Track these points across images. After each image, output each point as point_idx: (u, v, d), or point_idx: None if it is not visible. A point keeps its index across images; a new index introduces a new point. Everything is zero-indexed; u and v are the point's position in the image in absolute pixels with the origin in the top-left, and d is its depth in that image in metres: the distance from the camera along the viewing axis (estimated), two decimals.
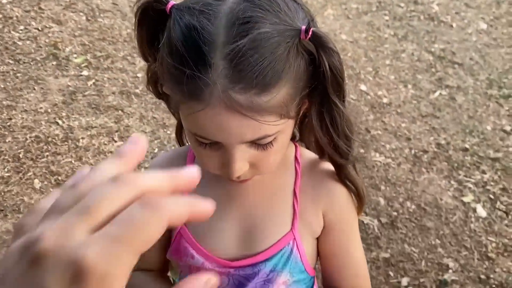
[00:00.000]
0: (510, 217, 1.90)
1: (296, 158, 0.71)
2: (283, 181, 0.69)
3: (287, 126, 0.57)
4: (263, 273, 0.67)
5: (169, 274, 0.81)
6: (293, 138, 0.72)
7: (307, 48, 0.53)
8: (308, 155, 0.73)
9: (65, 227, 0.25)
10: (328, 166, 0.71)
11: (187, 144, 0.75)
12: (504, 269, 1.69)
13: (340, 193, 0.69)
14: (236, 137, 0.54)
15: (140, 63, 2.64)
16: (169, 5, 0.55)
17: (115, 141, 2.13)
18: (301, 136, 0.73)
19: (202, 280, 0.27)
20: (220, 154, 0.57)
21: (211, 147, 0.57)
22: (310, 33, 0.51)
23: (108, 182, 0.27)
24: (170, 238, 0.73)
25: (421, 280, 1.63)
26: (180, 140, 0.76)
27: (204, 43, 0.49)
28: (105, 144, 2.11)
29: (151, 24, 0.58)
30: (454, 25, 3.32)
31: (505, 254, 1.75)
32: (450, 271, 1.67)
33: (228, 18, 0.50)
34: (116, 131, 2.18)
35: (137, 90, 2.44)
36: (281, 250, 0.67)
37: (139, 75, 2.56)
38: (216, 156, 0.58)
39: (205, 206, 0.30)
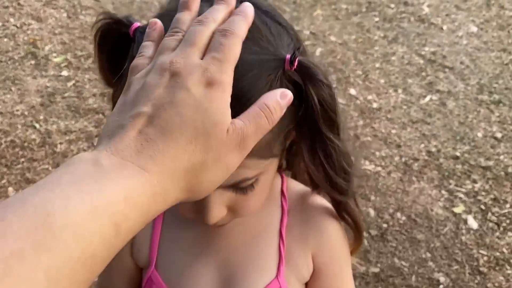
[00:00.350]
0: (501, 229, 1.86)
1: (282, 192, 0.64)
2: (267, 220, 0.62)
3: (270, 165, 0.50)
4: None
5: None
6: (279, 167, 0.65)
7: (292, 78, 0.46)
8: (297, 187, 0.66)
9: (184, 55, 0.39)
10: (319, 199, 0.64)
11: None
12: (496, 284, 1.65)
13: (332, 231, 0.62)
14: None
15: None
16: (133, 28, 0.48)
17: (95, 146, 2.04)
18: (288, 165, 0.66)
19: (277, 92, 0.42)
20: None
21: None
22: (296, 63, 0.44)
23: (195, 23, 0.42)
24: (139, 280, 0.66)
25: None
26: None
27: None
28: (84, 149, 2.02)
29: (113, 48, 0.52)
30: (444, 27, 3.28)
31: (497, 268, 1.71)
32: (441, 286, 1.62)
33: None
34: (96, 136, 2.09)
35: None
36: None
37: None
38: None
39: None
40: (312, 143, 0.50)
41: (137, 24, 0.48)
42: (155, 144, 0.35)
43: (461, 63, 2.93)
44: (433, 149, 2.22)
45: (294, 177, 0.68)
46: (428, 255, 1.72)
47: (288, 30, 0.50)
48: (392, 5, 3.44)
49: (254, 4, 0.46)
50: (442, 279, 1.64)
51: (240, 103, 0.41)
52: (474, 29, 3.32)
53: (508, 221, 1.89)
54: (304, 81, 0.45)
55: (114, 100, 0.58)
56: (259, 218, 0.61)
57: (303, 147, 0.51)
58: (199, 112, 0.36)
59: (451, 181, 2.06)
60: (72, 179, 0.31)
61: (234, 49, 0.40)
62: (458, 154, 2.21)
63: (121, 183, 0.32)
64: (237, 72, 0.41)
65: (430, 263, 1.69)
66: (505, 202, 1.98)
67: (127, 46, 0.49)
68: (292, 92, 0.44)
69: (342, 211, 0.60)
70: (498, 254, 1.75)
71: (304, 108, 0.47)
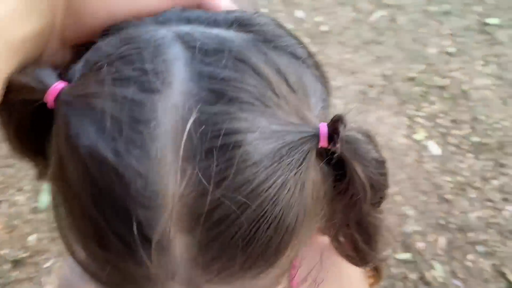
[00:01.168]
0: (462, 151, 1.84)
1: None
2: None
3: None
4: None
5: None
6: None
7: (324, 151, 0.29)
8: None
9: None
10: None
11: None
12: (461, 211, 1.65)
13: (351, 273, 0.49)
14: None
15: None
16: (50, 96, 0.28)
17: None
18: None
19: None
20: None
21: None
22: (338, 139, 0.28)
23: None
24: None
25: None
26: None
27: (146, 204, 0.25)
28: None
29: (24, 122, 0.31)
30: None
31: (460, 193, 1.70)
32: (411, 220, 1.60)
33: (177, 138, 0.25)
34: None
35: None
36: None
37: None
38: None
39: None
40: (345, 216, 0.35)
41: (57, 90, 0.28)
42: None
43: None
44: (389, 72, 2.12)
45: None
46: (395, 189, 1.68)
47: (323, 74, 0.33)
48: None
49: (251, 28, 0.29)
50: (411, 212, 1.62)
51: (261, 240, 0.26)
52: None
53: (467, 143, 1.87)
54: (347, 159, 0.29)
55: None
56: None
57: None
58: None
59: (409, 105, 1.99)
60: None
61: None
62: (413, 75, 2.13)
63: None
64: (251, 182, 0.25)
65: (398, 197, 1.66)
66: (463, 122, 1.95)
67: (42, 120, 0.29)
68: (324, 174, 0.29)
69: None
70: (460, 178, 1.74)
71: (344, 185, 0.30)
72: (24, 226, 1.47)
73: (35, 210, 1.51)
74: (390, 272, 1.46)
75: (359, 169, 0.29)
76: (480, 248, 1.55)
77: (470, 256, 1.53)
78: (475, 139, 1.89)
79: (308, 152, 0.27)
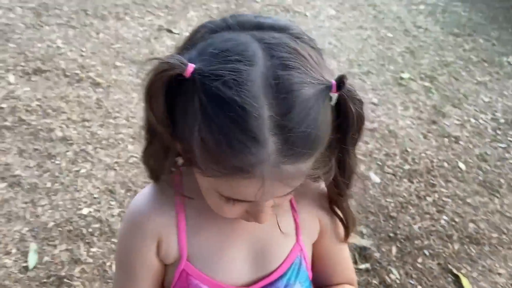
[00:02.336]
0: (398, 177, 2.14)
1: None
2: None
3: None
4: None
5: None
6: None
7: (331, 98, 0.52)
8: None
9: None
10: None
11: (162, 179, 0.67)
12: (406, 224, 1.91)
13: (340, 200, 0.71)
14: (274, 196, 0.54)
15: (2, 91, 2.35)
16: (190, 69, 0.48)
17: None
18: None
19: None
20: (247, 205, 0.57)
21: (239, 202, 0.55)
22: (343, 88, 0.51)
23: None
24: (162, 278, 0.69)
25: None
26: (156, 179, 0.68)
27: (250, 119, 0.46)
28: None
29: (166, 95, 0.51)
30: (308, 13, 3.58)
31: (403, 210, 1.98)
32: (365, 236, 1.83)
33: (265, 87, 0.47)
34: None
35: (6, 123, 2.17)
36: (292, 263, 0.68)
37: (3, 105, 2.27)
38: (242, 207, 0.57)
39: None
40: (333, 150, 0.57)
41: (193, 66, 0.49)
42: None
43: (329, 43, 3.24)
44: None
45: None
46: None
47: (318, 50, 0.56)
48: (258, 0, 3.66)
49: (289, 31, 0.52)
50: (364, 230, 1.86)
51: (309, 138, 0.48)
52: (332, 12, 3.68)
53: (400, 170, 2.19)
54: (346, 101, 0.52)
55: (148, 153, 0.61)
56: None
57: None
58: None
59: None
60: None
61: None
62: None
63: None
64: (303, 109, 0.47)
65: None
66: (394, 154, 2.28)
67: (176, 89, 0.50)
68: (333, 112, 0.52)
69: (334, 206, 0.70)
70: (400, 199, 2.03)
71: (341, 120, 0.53)
72: (14, 286, 1.54)
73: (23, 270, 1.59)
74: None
75: (352, 106, 0.52)
76: (426, 252, 1.80)
77: (419, 259, 1.77)
78: (407, 166, 2.21)
79: (327, 95, 0.50)
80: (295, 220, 0.69)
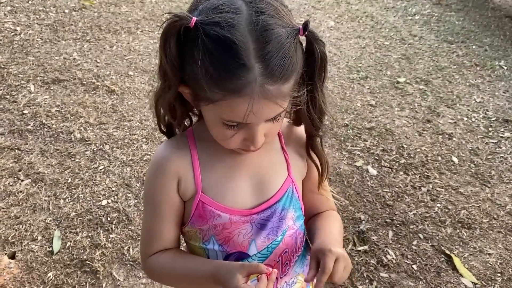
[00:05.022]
0: (394, 170, 2.28)
1: None
2: (273, 142, 0.85)
3: (288, 106, 0.73)
4: (278, 212, 0.82)
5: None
6: None
7: (300, 41, 0.69)
8: (283, 122, 0.89)
9: None
10: (301, 127, 0.87)
11: (177, 133, 0.85)
12: (401, 211, 2.04)
13: (315, 141, 0.86)
14: (264, 117, 0.69)
15: (24, 99, 2.54)
16: (193, 20, 0.65)
17: (22, 180, 2.04)
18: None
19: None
20: (244, 132, 0.71)
21: (238, 128, 0.70)
22: (308, 30, 0.67)
23: None
24: (182, 215, 0.84)
25: (344, 234, 1.89)
26: (170, 134, 0.85)
27: (239, 50, 0.62)
28: (11, 185, 2.01)
29: (177, 42, 0.67)
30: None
31: (399, 199, 2.11)
32: (363, 222, 1.97)
33: (250, 28, 0.64)
34: (19, 170, 2.08)
35: (28, 127, 2.35)
36: (286, 191, 0.83)
37: (25, 111, 2.46)
38: (241, 134, 0.72)
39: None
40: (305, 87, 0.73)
41: (195, 18, 0.65)
42: None
43: (329, 52, 3.42)
44: (326, 122, 2.60)
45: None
46: (347, 202, 2.07)
47: (288, 8, 0.71)
48: None
49: None
50: (362, 216, 1.99)
51: (284, 63, 0.64)
52: (332, 23, 3.87)
53: (396, 164, 2.33)
54: (312, 41, 0.69)
55: (156, 100, 0.77)
56: (269, 143, 0.82)
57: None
58: None
59: (347, 143, 2.46)
60: None
61: None
62: (346, 122, 2.63)
63: None
64: (278, 42, 0.63)
65: (350, 207, 2.04)
66: (391, 150, 2.42)
67: (184, 38, 0.66)
68: (302, 51, 0.68)
69: (311, 149, 0.85)
70: (396, 189, 2.17)
71: (309, 57, 0.70)
72: (41, 267, 1.69)
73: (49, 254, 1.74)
74: (354, 261, 1.79)
75: (316, 46, 0.69)
76: (421, 235, 1.93)
77: (414, 242, 1.90)
78: (403, 161, 2.35)
79: (296, 36, 0.67)
80: (285, 158, 0.85)
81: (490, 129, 2.68)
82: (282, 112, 0.71)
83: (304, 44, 0.70)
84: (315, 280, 0.72)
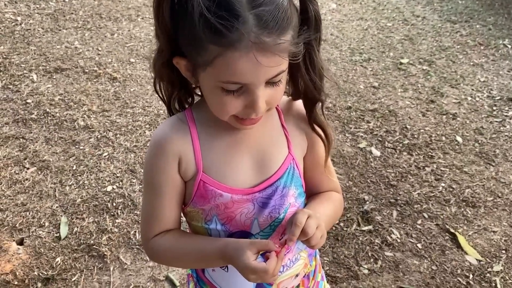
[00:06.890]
0: (397, 151, 2.28)
1: None
2: (272, 119, 0.85)
3: (287, 66, 0.72)
4: (279, 190, 0.82)
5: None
6: None
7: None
8: (282, 99, 0.89)
9: None
10: (298, 102, 0.87)
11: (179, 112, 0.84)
12: (405, 191, 2.05)
13: (316, 112, 0.86)
14: (264, 74, 0.68)
15: (27, 88, 2.55)
16: None
17: (27, 168, 2.06)
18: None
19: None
20: (244, 98, 0.70)
21: (237, 93, 0.69)
22: None
23: None
24: (183, 195, 0.84)
25: (348, 215, 1.90)
26: (172, 111, 0.85)
27: (233, 3, 0.63)
28: (17, 173, 2.03)
29: (170, 7, 0.68)
30: None
31: (403, 179, 2.11)
32: (367, 202, 1.97)
33: None
34: (25, 159, 2.10)
35: (32, 116, 2.36)
36: (287, 168, 0.83)
37: (28, 100, 2.47)
38: (241, 101, 0.71)
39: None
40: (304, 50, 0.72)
41: None
42: None
43: (331, 34, 3.40)
44: (329, 105, 2.60)
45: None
46: (350, 183, 2.07)
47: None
48: None
49: None
50: (366, 197, 2.00)
51: (278, 16, 0.64)
52: (333, 6, 3.84)
53: (400, 145, 2.32)
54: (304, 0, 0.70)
55: (156, 60, 0.76)
56: (267, 120, 0.82)
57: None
58: None
59: (350, 125, 2.45)
60: None
61: None
62: (349, 104, 2.62)
63: None
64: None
65: (354, 188, 2.04)
66: (394, 131, 2.42)
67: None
68: (297, 10, 0.68)
69: (313, 121, 0.84)
70: (400, 169, 2.17)
71: (303, 15, 0.70)
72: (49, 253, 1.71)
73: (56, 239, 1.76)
74: (358, 241, 1.80)
75: (309, 5, 0.69)
76: (425, 215, 1.94)
77: (419, 221, 1.91)
78: (406, 141, 2.35)
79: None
80: (286, 136, 0.84)
81: (494, 108, 2.66)
82: (282, 74, 0.70)
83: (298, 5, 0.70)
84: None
